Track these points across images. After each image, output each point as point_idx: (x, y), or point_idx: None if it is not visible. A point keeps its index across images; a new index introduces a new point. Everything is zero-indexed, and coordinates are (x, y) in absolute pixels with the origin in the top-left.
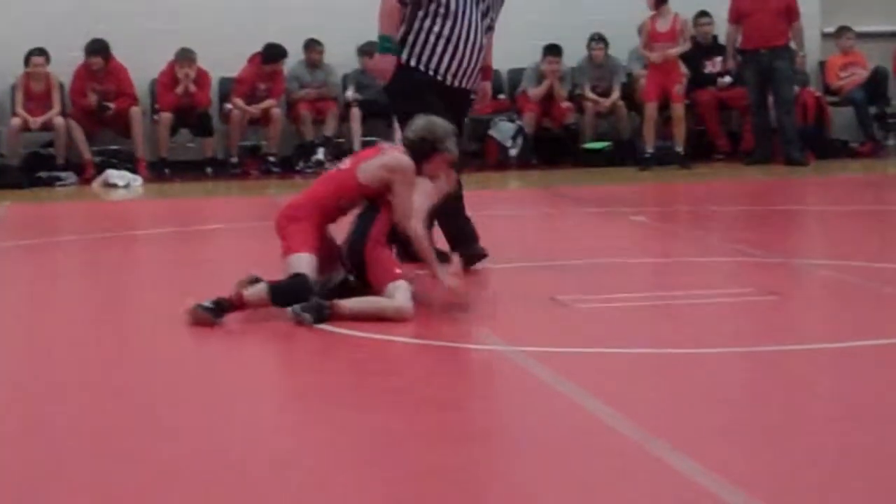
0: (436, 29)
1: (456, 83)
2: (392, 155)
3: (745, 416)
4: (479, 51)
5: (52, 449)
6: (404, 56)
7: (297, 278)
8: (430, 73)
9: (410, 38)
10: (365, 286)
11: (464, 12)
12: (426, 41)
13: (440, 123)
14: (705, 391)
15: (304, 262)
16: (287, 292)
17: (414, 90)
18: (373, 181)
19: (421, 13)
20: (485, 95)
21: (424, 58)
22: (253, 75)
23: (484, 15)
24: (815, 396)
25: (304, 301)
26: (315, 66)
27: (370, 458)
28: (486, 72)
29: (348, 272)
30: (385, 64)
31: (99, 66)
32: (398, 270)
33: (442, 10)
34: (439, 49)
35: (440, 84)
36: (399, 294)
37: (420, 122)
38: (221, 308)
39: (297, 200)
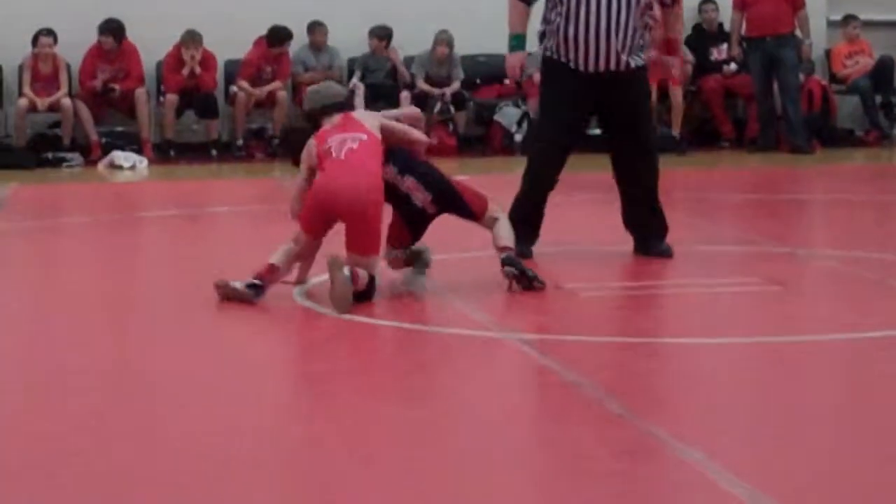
0: (557, 19)
1: (591, 68)
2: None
3: (748, 405)
4: (616, 31)
5: (64, 435)
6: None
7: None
8: (562, 60)
9: (545, 29)
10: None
11: None
12: (553, 30)
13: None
14: (707, 380)
15: (376, 265)
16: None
17: (547, 79)
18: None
19: (549, 3)
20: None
21: (553, 46)
22: (259, 58)
23: None
24: (819, 387)
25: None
26: (319, 49)
27: (375, 450)
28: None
29: (433, 213)
30: (513, 60)
31: (110, 45)
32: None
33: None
34: (562, 35)
35: (573, 70)
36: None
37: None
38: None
39: (375, 183)
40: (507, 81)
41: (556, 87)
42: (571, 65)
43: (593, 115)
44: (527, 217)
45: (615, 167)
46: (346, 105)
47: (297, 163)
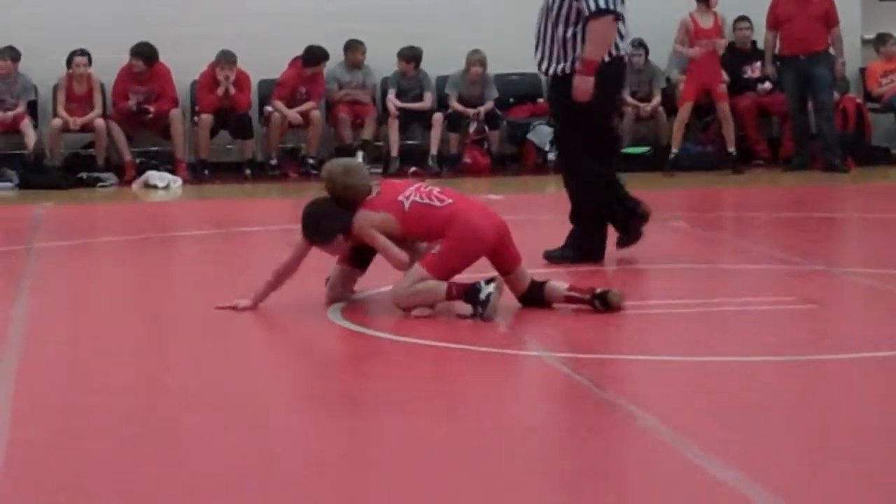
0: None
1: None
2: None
3: (784, 424)
4: (537, 40)
5: (84, 452)
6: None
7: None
8: None
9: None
10: None
11: None
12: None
13: None
14: (744, 399)
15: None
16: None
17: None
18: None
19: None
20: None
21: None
22: (294, 78)
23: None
24: (856, 406)
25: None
26: (356, 66)
27: (406, 465)
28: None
29: None
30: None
31: (140, 68)
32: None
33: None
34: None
35: None
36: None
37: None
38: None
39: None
40: (540, 100)
41: None
42: None
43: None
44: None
45: None
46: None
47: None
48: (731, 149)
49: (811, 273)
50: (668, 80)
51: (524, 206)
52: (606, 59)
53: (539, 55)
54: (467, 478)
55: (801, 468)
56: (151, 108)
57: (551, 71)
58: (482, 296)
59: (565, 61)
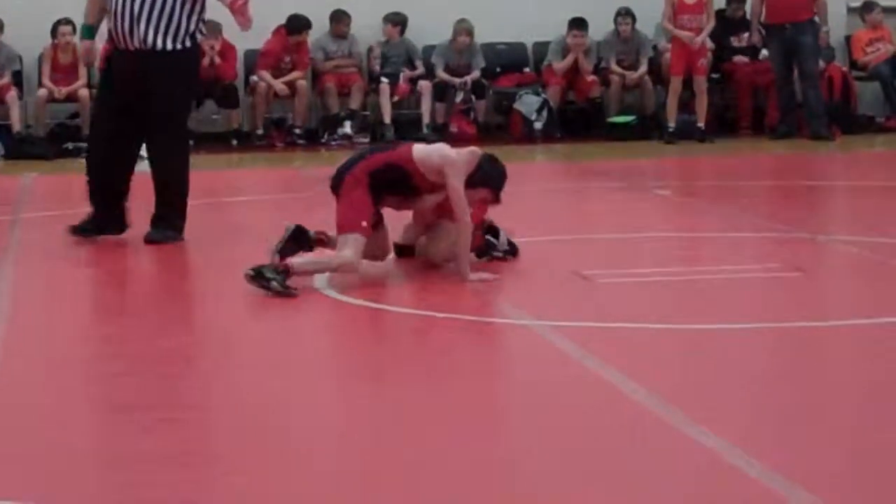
0: None
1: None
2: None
3: (769, 391)
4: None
5: (71, 420)
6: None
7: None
8: None
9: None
10: None
11: None
12: None
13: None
14: (730, 366)
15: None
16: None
17: None
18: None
19: None
20: None
21: None
22: (278, 47)
23: None
24: (839, 372)
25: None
26: (341, 37)
27: (391, 434)
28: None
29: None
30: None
31: None
32: (363, 222)
33: None
34: None
35: None
36: (348, 248)
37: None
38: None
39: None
40: (526, 70)
41: None
42: None
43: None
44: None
45: None
46: None
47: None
48: (701, 123)
49: (796, 241)
50: (654, 48)
51: (511, 175)
52: (179, 47)
53: (147, 28)
54: (457, 446)
55: (784, 433)
56: None
57: (161, 45)
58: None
59: (176, 36)
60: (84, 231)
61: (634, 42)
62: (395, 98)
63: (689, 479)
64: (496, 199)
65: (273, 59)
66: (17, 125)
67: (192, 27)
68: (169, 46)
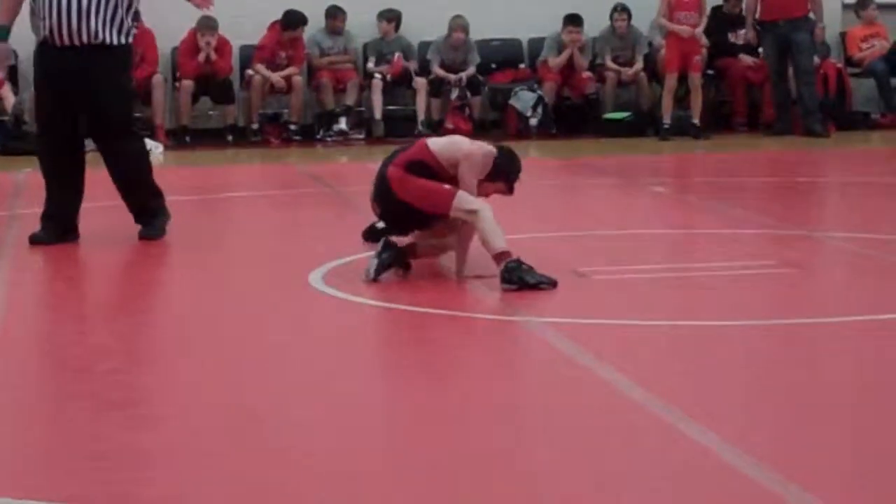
0: None
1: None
2: (469, 140)
3: (764, 387)
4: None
5: (64, 417)
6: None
7: None
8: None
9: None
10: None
11: None
12: None
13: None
14: (725, 363)
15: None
16: None
17: None
18: (442, 152)
19: None
20: None
21: None
22: (273, 42)
23: None
24: (835, 369)
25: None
26: (337, 33)
27: (386, 431)
28: None
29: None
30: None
31: None
32: (445, 185)
33: None
34: None
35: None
36: (471, 203)
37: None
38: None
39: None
40: (522, 66)
41: None
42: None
43: None
44: None
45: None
46: None
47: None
48: (696, 120)
49: (791, 237)
50: (650, 44)
51: None
52: (125, 41)
53: (97, 22)
54: (454, 445)
55: (780, 431)
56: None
57: (109, 39)
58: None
59: (121, 30)
60: (39, 240)
61: (630, 38)
62: (389, 76)
63: (686, 477)
64: (510, 191)
65: (268, 53)
66: (11, 117)
67: (130, 21)
68: (115, 41)
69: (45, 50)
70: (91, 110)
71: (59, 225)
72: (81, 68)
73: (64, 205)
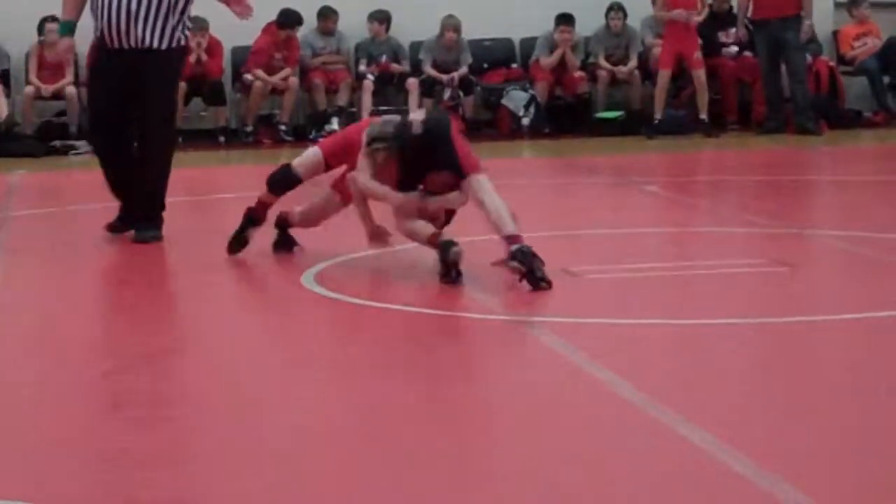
0: None
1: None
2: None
3: (756, 386)
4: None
5: (61, 419)
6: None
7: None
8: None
9: None
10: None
11: None
12: None
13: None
14: (717, 362)
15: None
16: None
17: None
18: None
19: None
20: None
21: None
22: (269, 44)
23: None
24: (826, 367)
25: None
26: (329, 34)
27: (378, 431)
28: None
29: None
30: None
31: None
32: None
33: None
34: None
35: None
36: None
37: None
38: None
39: None
40: (514, 65)
41: None
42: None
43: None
44: None
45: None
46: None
47: None
48: (703, 115)
49: (783, 236)
50: (642, 42)
51: (499, 171)
52: (175, 45)
53: (145, 27)
54: (445, 443)
55: (771, 430)
56: None
57: (157, 44)
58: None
59: (172, 35)
60: (115, 229)
61: (624, 37)
62: (376, 73)
63: (677, 477)
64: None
65: (265, 56)
66: (2, 125)
67: (183, 25)
68: (164, 45)
69: (100, 49)
70: (136, 112)
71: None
72: (130, 70)
73: (127, 196)
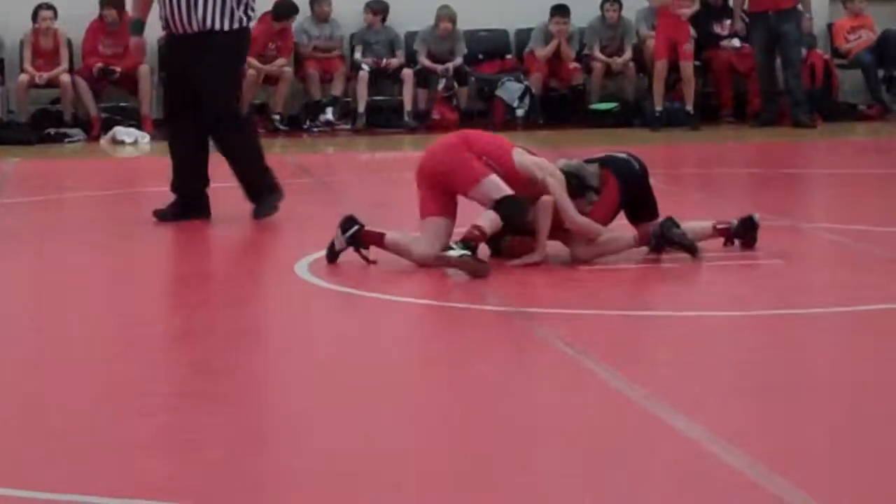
0: None
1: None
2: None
3: (749, 378)
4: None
5: (56, 412)
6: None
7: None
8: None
9: None
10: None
11: None
12: None
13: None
14: (711, 354)
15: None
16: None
17: None
18: (523, 172)
19: None
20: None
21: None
22: (264, 34)
23: None
24: (819, 360)
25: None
26: (323, 20)
27: (372, 427)
28: None
29: None
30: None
31: (113, 18)
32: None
33: None
34: None
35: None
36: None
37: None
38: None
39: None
40: (509, 56)
41: None
42: None
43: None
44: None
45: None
46: None
47: None
48: (689, 107)
49: (777, 228)
50: (637, 34)
51: None
52: (237, 27)
53: (205, 11)
54: (437, 435)
55: (766, 422)
56: (117, 69)
57: (218, 26)
58: None
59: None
60: (165, 215)
61: (620, 28)
62: (371, 66)
63: (670, 469)
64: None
65: (259, 46)
66: None
67: (245, 6)
68: (226, 27)
69: (167, 37)
70: (200, 95)
71: (184, 204)
72: (193, 55)
73: (187, 185)
